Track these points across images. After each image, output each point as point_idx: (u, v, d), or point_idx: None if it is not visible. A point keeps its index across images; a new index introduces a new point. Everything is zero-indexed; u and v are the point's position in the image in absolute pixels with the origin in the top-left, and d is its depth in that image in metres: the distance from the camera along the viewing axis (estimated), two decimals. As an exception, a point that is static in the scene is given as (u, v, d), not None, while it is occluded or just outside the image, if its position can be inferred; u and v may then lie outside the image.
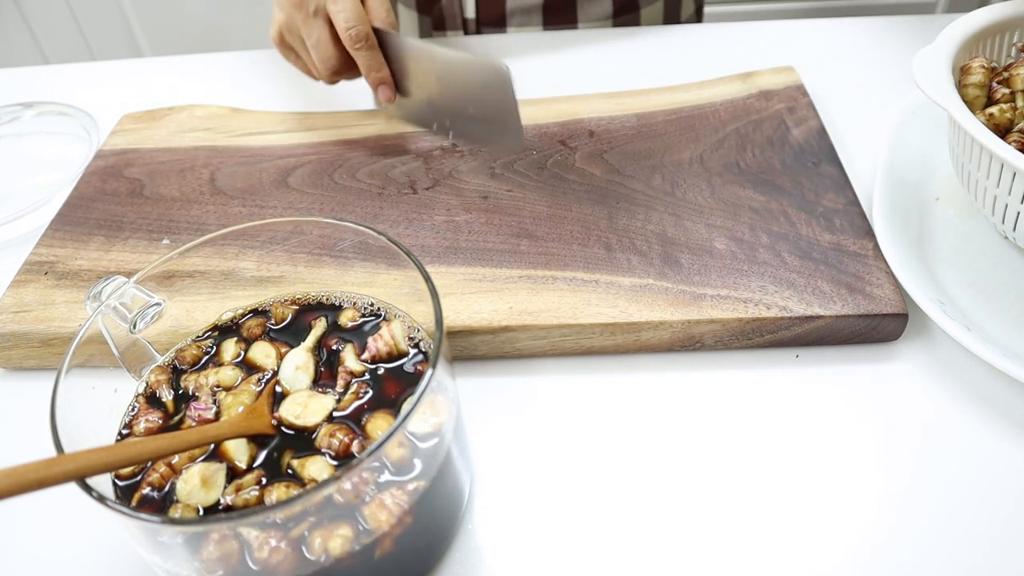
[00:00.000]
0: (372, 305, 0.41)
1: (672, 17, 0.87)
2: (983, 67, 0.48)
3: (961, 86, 0.49)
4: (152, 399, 0.38)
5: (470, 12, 0.82)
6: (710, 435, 0.43)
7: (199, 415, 0.36)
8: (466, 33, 0.84)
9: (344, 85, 0.64)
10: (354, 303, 0.41)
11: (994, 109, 0.47)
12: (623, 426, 0.44)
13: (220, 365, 0.39)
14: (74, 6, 1.63)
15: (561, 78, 0.72)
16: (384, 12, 0.59)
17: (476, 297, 0.48)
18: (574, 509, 0.40)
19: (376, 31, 0.58)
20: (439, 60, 0.56)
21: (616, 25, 0.83)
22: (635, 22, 0.84)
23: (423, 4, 0.84)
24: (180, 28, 1.64)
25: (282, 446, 0.35)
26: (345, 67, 0.59)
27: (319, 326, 0.40)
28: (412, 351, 0.39)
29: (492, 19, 0.83)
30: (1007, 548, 0.38)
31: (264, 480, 0.34)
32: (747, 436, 0.43)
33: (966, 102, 0.48)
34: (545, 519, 0.40)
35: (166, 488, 0.34)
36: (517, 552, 0.39)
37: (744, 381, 0.46)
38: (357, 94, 0.71)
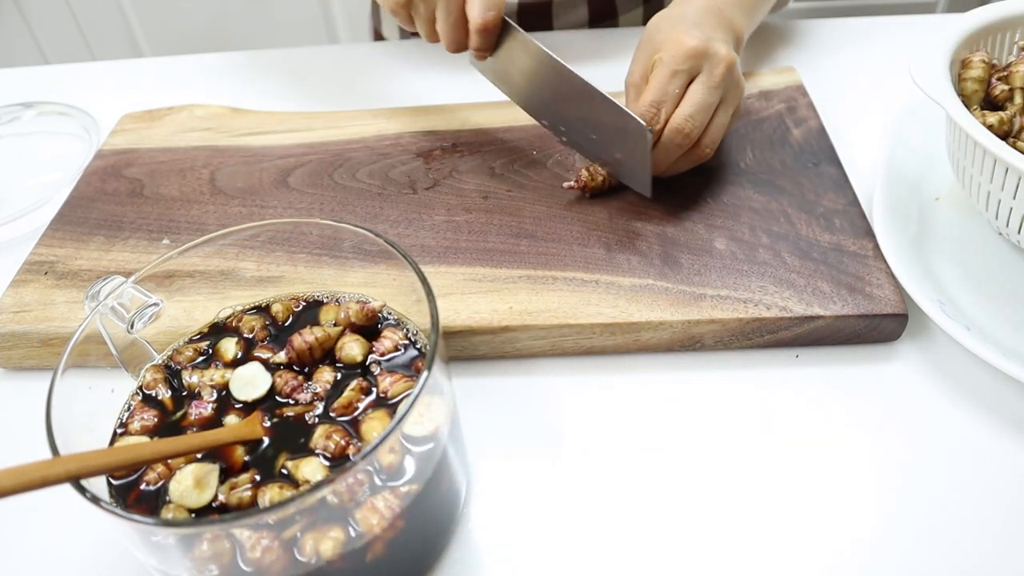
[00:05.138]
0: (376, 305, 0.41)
1: None
2: (984, 61, 0.48)
3: (960, 79, 0.49)
4: (148, 398, 0.38)
5: None
6: (710, 435, 0.43)
7: (199, 413, 0.36)
8: None
9: (341, 85, 0.64)
10: (341, 300, 0.41)
11: (993, 119, 0.46)
12: (623, 426, 0.44)
13: (217, 364, 0.39)
14: (74, 6, 1.63)
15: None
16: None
17: (476, 297, 0.48)
18: (573, 510, 0.40)
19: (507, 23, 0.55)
20: (570, 80, 0.53)
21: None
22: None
23: None
24: (180, 28, 1.64)
25: (277, 447, 0.35)
26: (467, 45, 0.57)
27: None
28: (411, 351, 0.38)
29: None
30: (1006, 547, 0.38)
31: (258, 479, 0.34)
32: (747, 436, 0.43)
33: (964, 96, 0.48)
34: (544, 521, 0.40)
35: (159, 488, 0.34)
36: (514, 555, 0.39)
37: (744, 381, 0.46)
38: (358, 95, 0.71)
